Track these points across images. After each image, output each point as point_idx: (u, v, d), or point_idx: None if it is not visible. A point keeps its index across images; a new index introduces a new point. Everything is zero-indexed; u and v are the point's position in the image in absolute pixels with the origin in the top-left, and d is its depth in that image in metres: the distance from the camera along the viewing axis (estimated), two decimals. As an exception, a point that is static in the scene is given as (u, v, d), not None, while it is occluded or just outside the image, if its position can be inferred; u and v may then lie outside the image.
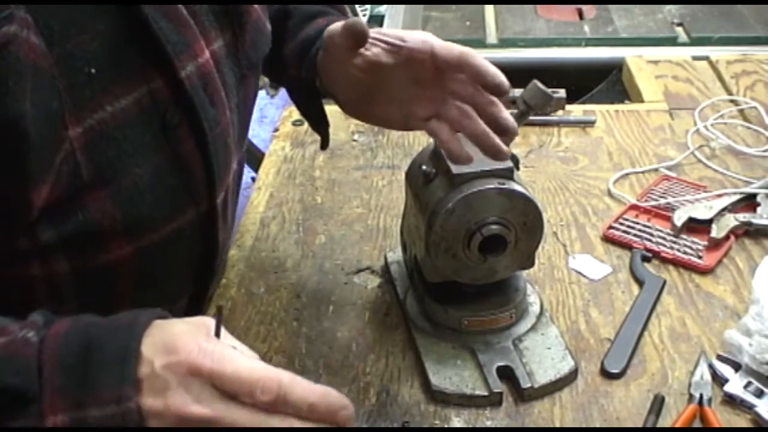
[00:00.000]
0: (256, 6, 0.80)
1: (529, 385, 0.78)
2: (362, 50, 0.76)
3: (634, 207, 1.06)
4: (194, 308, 0.86)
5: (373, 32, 0.77)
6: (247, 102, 0.82)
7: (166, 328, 0.55)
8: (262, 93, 2.15)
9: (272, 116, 2.83)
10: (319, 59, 0.82)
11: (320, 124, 0.90)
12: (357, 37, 0.74)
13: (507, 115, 0.74)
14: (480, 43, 1.83)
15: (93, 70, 0.62)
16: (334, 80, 0.82)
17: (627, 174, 1.13)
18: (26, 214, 0.61)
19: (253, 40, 0.80)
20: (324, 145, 0.92)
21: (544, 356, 0.81)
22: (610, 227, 1.01)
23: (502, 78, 0.72)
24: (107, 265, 0.69)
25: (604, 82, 1.60)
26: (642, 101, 1.36)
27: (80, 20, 0.61)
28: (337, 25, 0.78)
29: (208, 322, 0.56)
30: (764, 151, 1.17)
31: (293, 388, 0.52)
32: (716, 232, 0.98)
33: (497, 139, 0.73)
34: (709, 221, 1.00)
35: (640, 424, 0.75)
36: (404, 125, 0.81)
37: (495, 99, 0.74)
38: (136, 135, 0.66)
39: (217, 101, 0.73)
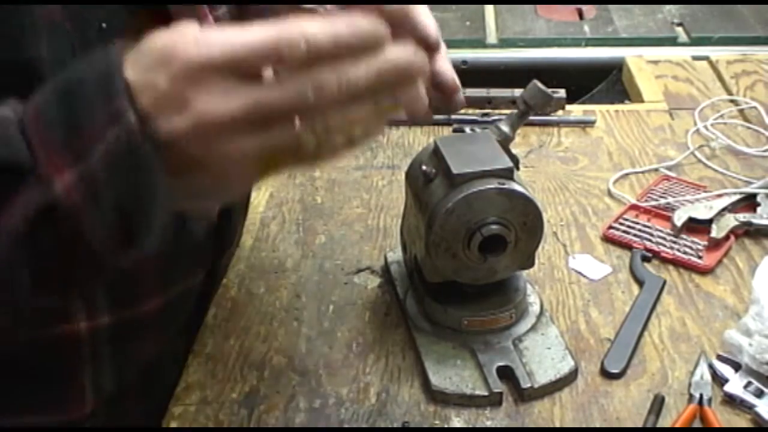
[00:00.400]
0: None
1: (529, 385, 0.78)
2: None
3: (634, 207, 1.06)
4: (210, 284, 0.86)
5: None
6: None
7: (143, 47, 0.48)
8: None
9: (272, 116, 2.82)
10: None
11: None
12: None
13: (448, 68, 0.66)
14: (480, 43, 1.83)
15: (104, 25, 0.62)
16: None
17: (627, 174, 1.13)
18: None
19: (259, 9, 0.79)
20: None
21: (544, 356, 0.81)
22: (610, 227, 1.01)
23: (432, 32, 0.62)
24: None
25: (604, 82, 1.60)
26: (642, 101, 1.36)
27: None
28: None
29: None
30: (764, 151, 1.17)
31: (317, 32, 0.45)
32: (716, 232, 0.98)
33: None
34: (709, 221, 0.99)
35: (640, 424, 0.75)
36: None
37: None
38: None
39: None
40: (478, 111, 1.25)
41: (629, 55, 1.52)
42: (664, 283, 0.92)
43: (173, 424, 0.77)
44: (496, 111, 1.23)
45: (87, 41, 0.61)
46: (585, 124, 1.26)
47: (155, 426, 0.78)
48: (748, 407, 0.76)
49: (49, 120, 0.48)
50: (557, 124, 1.25)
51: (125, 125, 0.46)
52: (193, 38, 0.46)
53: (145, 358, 0.81)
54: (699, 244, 0.98)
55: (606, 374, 0.80)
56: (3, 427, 0.56)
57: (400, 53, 0.47)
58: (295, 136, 0.46)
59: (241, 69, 0.46)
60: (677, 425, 0.75)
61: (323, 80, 0.45)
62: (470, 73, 1.83)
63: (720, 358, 0.81)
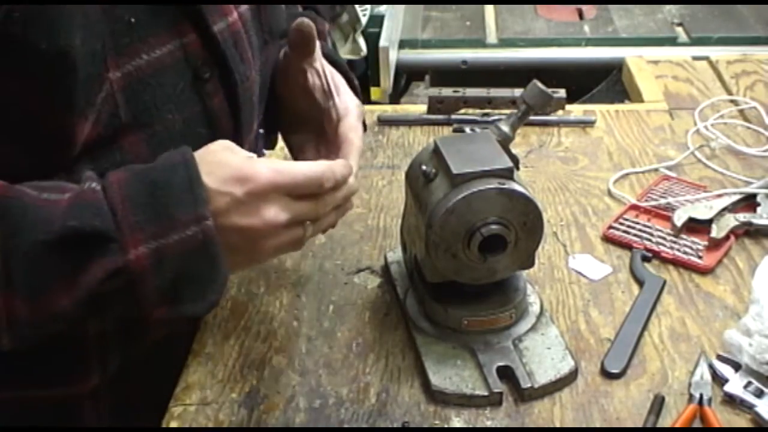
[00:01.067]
0: None
1: (529, 385, 0.78)
2: (308, 73, 0.83)
3: (634, 207, 1.06)
4: None
5: (327, 69, 0.85)
6: (268, 68, 0.86)
7: (220, 161, 0.66)
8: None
9: (272, 116, 2.82)
10: (279, 59, 0.87)
11: (270, 126, 0.94)
12: (302, 35, 0.80)
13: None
14: (480, 43, 1.83)
15: (133, 20, 0.67)
16: (281, 85, 0.88)
17: (627, 174, 1.13)
18: (69, 148, 0.66)
19: (273, 10, 0.85)
20: (267, 145, 0.97)
21: (544, 356, 0.81)
22: (610, 227, 1.01)
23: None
24: None
25: (604, 82, 1.61)
26: (642, 101, 1.36)
27: None
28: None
29: (227, 142, 0.69)
30: (764, 151, 1.17)
31: (338, 171, 0.70)
32: (716, 232, 0.98)
33: None
34: (709, 221, 1.00)
35: (640, 424, 0.75)
36: (295, 155, 0.89)
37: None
38: (170, 84, 0.71)
39: (246, 59, 0.77)
40: (478, 111, 1.25)
41: (629, 55, 1.53)
42: (664, 283, 0.92)
43: (173, 424, 0.77)
44: (496, 111, 1.23)
45: (116, 33, 0.66)
46: (585, 124, 1.26)
47: (156, 424, 0.78)
48: (748, 407, 0.76)
49: (137, 205, 0.62)
50: (557, 124, 1.25)
51: (203, 227, 0.62)
52: (267, 168, 0.66)
53: (152, 340, 0.82)
54: (699, 244, 0.98)
55: (606, 374, 0.80)
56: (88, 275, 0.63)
57: (352, 184, 0.74)
58: (303, 233, 0.69)
59: (294, 193, 0.67)
60: (677, 425, 0.75)
61: (330, 200, 0.70)
62: (470, 73, 1.84)
63: (720, 358, 0.81)
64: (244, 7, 0.78)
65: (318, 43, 0.82)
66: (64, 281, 0.61)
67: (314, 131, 0.86)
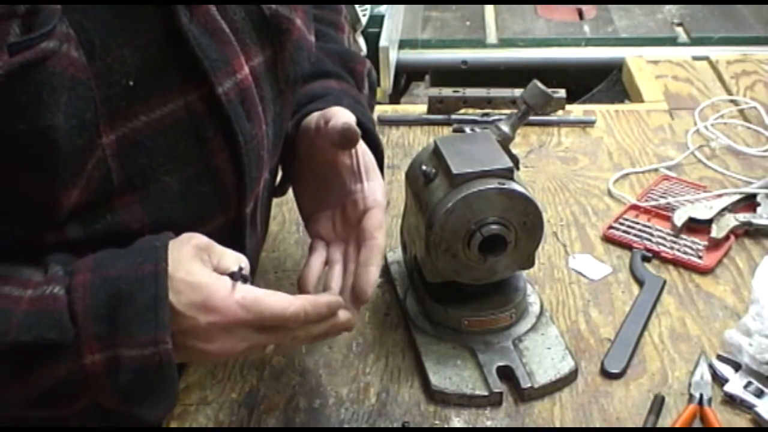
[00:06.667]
0: (299, 23, 0.78)
1: (529, 385, 0.78)
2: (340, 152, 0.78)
3: (634, 207, 1.06)
4: None
5: (360, 149, 0.79)
6: (284, 115, 0.81)
7: (191, 282, 0.62)
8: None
9: (272, 116, 2.82)
10: (302, 125, 0.83)
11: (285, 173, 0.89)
12: (347, 141, 0.76)
13: (366, 285, 0.74)
14: (480, 43, 1.83)
15: (131, 83, 0.63)
16: (306, 150, 0.83)
17: (627, 174, 1.13)
18: (55, 214, 0.63)
19: (293, 58, 0.79)
20: (277, 193, 0.91)
21: (544, 356, 0.81)
22: (610, 227, 1.01)
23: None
24: None
25: (604, 82, 1.61)
26: (642, 101, 1.36)
27: (121, 35, 0.62)
28: (334, 110, 0.79)
29: (202, 240, 0.65)
30: (764, 151, 1.17)
31: (311, 313, 0.65)
32: (716, 232, 0.98)
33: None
34: (709, 221, 1.00)
35: (640, 424, 0.75)
36: (306, 218, 0.84)
37: (368, 274, 0.74)
38: (168, 145, 0.67)
39: (254, 116, 0.73)
40: (478, 111, 1.25)
41: (629, 55, 1.53)
42: (664, 283, 0.92)
43: (173, 424, 0.77)
44: (496, 111, 1.23)
45: (111, 98, 0.62)
46: (585, 124, 1.26)
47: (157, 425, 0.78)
48: (748, 407, 0.76)
49: (98, 317, 0.60)
50: (557, 124, 1.25)
51: (161, 349, 0.60)
52: (235, 302, 0.62)
53: None
54: (699, 244, 0.98)
55: (606, 374, 0.80)
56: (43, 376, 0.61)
57: (343, 318, 0.70)
58: (260, 352, 0.68)
59: (259, 327, 0.64)
60: (677, 425, 0.75)
61: (298, 335, 0.67)
62: (470, 73, 1.84)
63: (720, 358, 0.81)
64: (258, 60, 0.73)
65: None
66: (14, 381, 0.61)
67: (333, 206, 0.81)
